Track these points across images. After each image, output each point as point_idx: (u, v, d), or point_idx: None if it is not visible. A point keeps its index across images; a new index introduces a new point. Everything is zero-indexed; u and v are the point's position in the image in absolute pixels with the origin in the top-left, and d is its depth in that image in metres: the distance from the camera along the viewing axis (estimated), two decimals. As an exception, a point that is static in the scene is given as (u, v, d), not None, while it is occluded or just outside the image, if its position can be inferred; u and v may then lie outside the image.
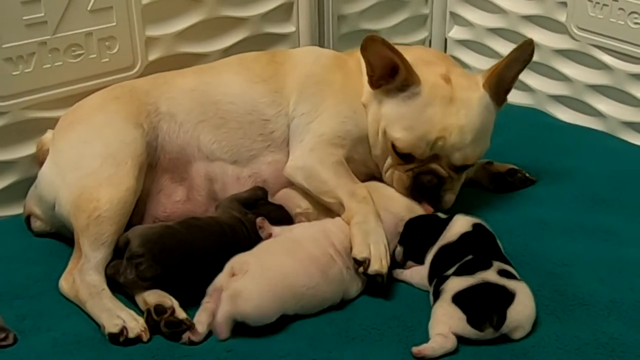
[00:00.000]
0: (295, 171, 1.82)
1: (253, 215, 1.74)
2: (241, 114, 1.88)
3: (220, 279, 1.57)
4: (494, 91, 1.82)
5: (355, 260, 1.63)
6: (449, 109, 1.76)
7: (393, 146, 1.79)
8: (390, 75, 1.79)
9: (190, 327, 1.53)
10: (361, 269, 1.63)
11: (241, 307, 1.52)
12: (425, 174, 1.78)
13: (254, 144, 1.88)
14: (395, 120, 1.79)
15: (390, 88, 1.80)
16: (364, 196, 1.74)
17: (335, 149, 1.83)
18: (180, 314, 1.56)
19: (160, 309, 1.56)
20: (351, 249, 1.65)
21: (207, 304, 1.57)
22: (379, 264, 1.63)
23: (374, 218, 1.70)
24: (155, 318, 1.55)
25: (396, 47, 1.79)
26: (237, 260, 1.59)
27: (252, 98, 1.89)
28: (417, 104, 1.77)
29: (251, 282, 1.54)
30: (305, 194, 1.82)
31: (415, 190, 1.79)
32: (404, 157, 1.79)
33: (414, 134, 1.76)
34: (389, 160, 1.82)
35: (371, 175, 1.87)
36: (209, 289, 1.58)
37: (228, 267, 1.59)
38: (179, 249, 1.62)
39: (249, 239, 1.70)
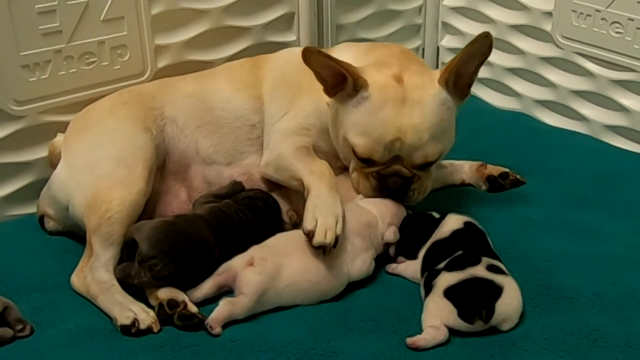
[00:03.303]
0: (266, 168, 1.82)
1: (229, 200, 1.75)
2: (231, 120, 1.88)
3: (237, 262, 1.59)
4: (452, 86, 1.74)
5: (303, 232, 1.60)
6: (402, 109, 1.68)
7: (354, 151, 1.73)
8: (342, 82, 1.72)
9: (202, 320, 1.53)
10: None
11: (236, 313, 1.54)
12: (389, 177, 1.73)
13: (245, 148, 1.88)
14: (351, 126, 1.72)
15: (343, 96, 1.73)
16: (321, 171, 1.70)
17: (299, 137, 1.80)
18: (192, 307, 1.56)
19: (173, 303, 1.55)
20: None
21: (217, 276, 1.60)
22: (322, 236, 1.58)
23: (327, 191, 1.65)
24: (168, 312, 1.55)
25: (370, 43, 1.77)
26: (259, 255, 1.59)
27: (238, 104, 1.89)
28: (368, 107, 1.69)
29: (254, 287, 1.55)
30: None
31: (382, 193, 1.74)
32: (365, 162, 1.74)
33: (370, 138, 1.69)
34: (352, 164, 1.78)
35: (345, 168, 1.83)
36: (222, 267, 1.60)
37: (249, 255, 1.60)
38: (185, 243, 1.62)
39: (233, 223, 1.70)
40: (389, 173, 1.73)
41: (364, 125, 1.70)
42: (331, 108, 1.79)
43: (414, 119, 1.68)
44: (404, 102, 1.69)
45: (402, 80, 1.71)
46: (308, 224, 1.60)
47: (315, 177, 1.69)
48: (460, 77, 1.74)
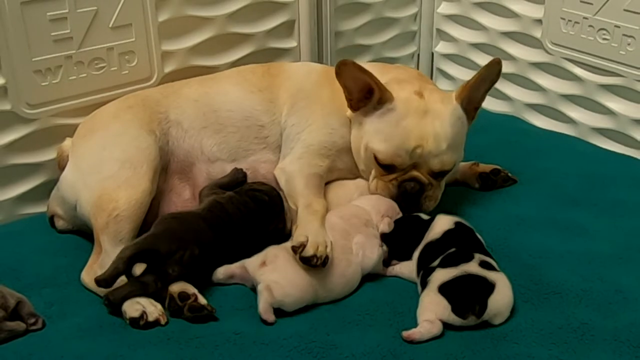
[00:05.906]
0: (280, 174, 1.82)
1: (232, 193, 1.74)
2: (239, 120, 1.88)
3: (251, 265, 1.60)
4: (465, 106, 1.80)
5: (292, 248, 1.59)
6: (424, 119, 1.74)
7: (376, 159, 1.77)
8: (367, 97, 1.77)
9: (212, 312, 1.54)
10: (298, 255, 1.58)
11: (276, 295, 1.54)
12: (408, 182, 1.76)
13: (251, 146, 1.88)
14: (375, 134, 1.76)
15: (368, 109, 1.78)
16: (316, 209, 1.70)
17: (320, 159, 1.82)
18: (202, 300, 1.56)
19: (183, 295, 1.56)
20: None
21: (235, 268, 1.64)
22: (314, 248, 1.57)
23: (317, 225, 1.65)
24: (179, 304, 1.55)
25: (382, 64, 1.79)
26: (270, 254, 1.61)
27: (249, 105, 1.89)
28: (393, 117, 1.75)
29: (279, 275, 1.56)
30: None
31: (399, 198, 1.77)
32: (386, 168, 1.77)
33: (394, 145, 1.74)
34: (373, 173, 1.80)
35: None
36: (236, 263, 1.63)
37: (261, 256, 1.61)
38: (189, 228, 1.63)
39: (230, 216, 1.69)
40: (407, 178, 1.76)
41: (387, 134, 1.75)
42: (353, 121, 1.83)
43: (435, 129, 1.74)
44: (425, 114, 1.75)
45: (423, 96, 1.78)
46: (300, 236, 1.60)
47: (309, 212, 1.69)
48: (470, 101, 1.81)
